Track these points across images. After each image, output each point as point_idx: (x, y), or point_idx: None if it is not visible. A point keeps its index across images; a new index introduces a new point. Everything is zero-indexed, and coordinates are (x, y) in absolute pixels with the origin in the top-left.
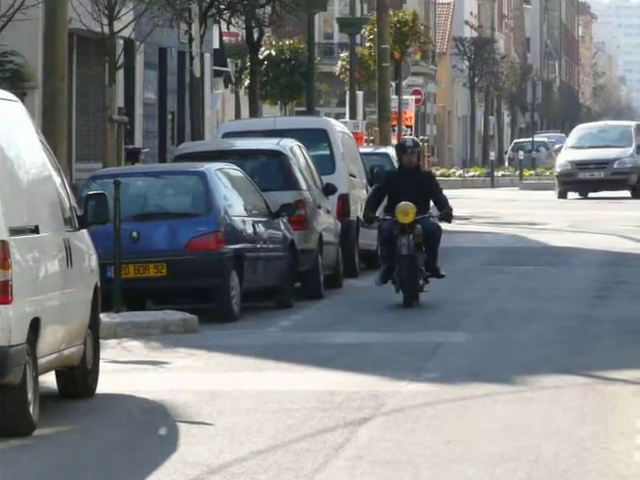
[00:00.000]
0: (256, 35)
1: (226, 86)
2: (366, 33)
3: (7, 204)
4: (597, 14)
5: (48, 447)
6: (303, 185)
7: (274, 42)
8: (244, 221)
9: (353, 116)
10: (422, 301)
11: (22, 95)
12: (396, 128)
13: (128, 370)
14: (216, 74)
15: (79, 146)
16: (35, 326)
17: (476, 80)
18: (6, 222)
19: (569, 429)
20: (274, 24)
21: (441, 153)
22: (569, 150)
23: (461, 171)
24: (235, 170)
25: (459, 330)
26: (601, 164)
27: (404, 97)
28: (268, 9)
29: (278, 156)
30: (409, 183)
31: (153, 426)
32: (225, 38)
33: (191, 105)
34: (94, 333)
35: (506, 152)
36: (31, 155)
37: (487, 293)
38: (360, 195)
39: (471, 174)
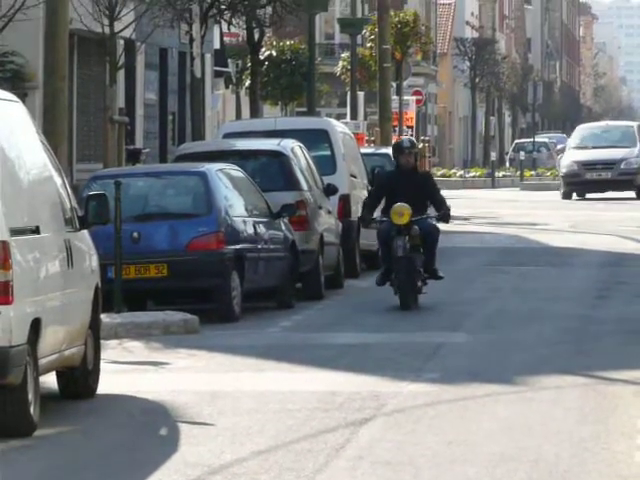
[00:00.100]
0: (257, 35)
1: (227, 86)
2: (367, 33)
3: (8, 205)
4: (598, 14)
5: (49, 447)
6: (304, 185)
7: (275, 42)
8: (245, 221)
9: (354, 116)
10: (423, 301)
11: (23, 95)
12: (397, 129)
13: (129, 371)
14: (217, 74)
15: (80, 146)
16: (36, 326)
17: (477, 80)
18: (7, 222)
19: (570, 429)
20: (275, 24)
21: (442, 154)
22: (573, 150)
23: (462, 171)
24: (236, 170)
25: (460, 330)
26: (608, 164)
27: (405, 97)
28: (269, 9)
29: (279, 156)
30: (406, 184)
31: (154, 426)
32: (226, 38)
33: (192, 105)
34: (95, 333)
35: (507, 152)
36: (32, 156)
37: (488, 293)
38: (361, 195)
39: (472, 174)
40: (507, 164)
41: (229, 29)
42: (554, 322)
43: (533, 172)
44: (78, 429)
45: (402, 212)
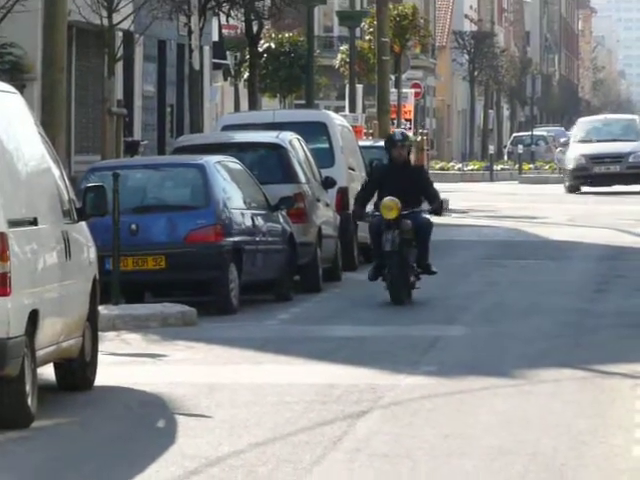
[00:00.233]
0: (255, 28)
1: (225, 79)
2: (366, 26)
3: (6, 196)
4: (597, 8)
5: (46, 439)
6: (302, 178)
7: (273, 35)
8: (243, 214)
9: (352, 109)
10: (420, 294)
11: (21, 87)
12: (395, 121)
13: (126, 363)
14: (215, 67)
15: (78, 138)
16: (34, 318)
17: (476, 74)
18: (5, 214)
19: (568, 423)
20: (273, 17)
21: (440, 147)
22: (578, 144)
23: (460, 165)
24: (234, 163)
25: (457, 323)
26: (616, 158)
27: (403, 90)
28: (267, 2)
29: (277, 149)
30: (399, 177)
31: (151, 419)
32: (224, 31)
33: (190, 98)
34: (93, 325)
35: (505, 146)
36: (30, 147)
37: (486, 287)
38: (359, 188)
39: (470, 168)
40: (505, 157)
41: (228, 21)
42: (552, 315)
43: (531, 165)
44: (75, 421)
45: (391, 206)
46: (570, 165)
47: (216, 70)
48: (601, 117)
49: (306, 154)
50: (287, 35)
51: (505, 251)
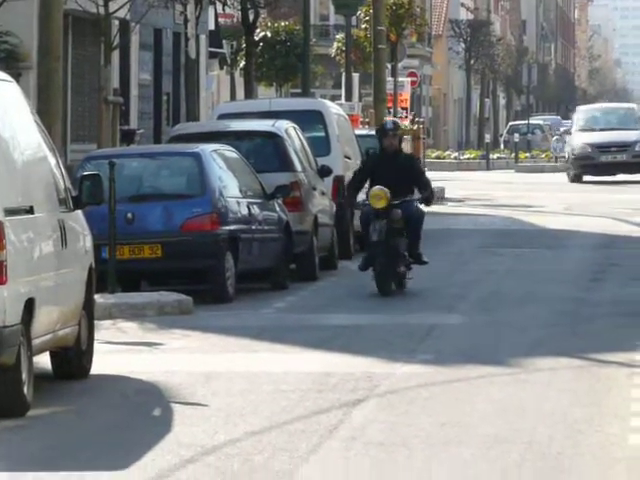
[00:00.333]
0: (252, 16)
1: (221, 67)
2: (362, 15)
3: (2, 185)
4: None
5: (42, 427)
6: (298, 167)
7: (270, 24)
8: (239, 202)
9: (349, 98)
10: (416, 283)
11: (17, 75)
12: (392, 110)
13: (123, 351)
14: (211, 55)
15: (74, 127)
16: (30, 307)
17: (472, 62)
18: (1, 203)
19: (564, 411)
20: (270, 5)
21: (437, 135)
22: (581, 133)
23: (456, 153)
24: (230, 151)
25: (454, 312)
26: (622, 147)
27: (400, 79)
28: None
29: (273, 138)
30: (390, 167)
31: (147, 407)
32: (220, 19)
33: (186, 86)
34: (89, 314)
35: (501, 134)
36: (26, 136)
37: (482, 275)
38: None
39: (466, 156)
40: (501, 146)
41: (224, 10)
42: (549, 304)
43: (528, 154)
44: (72, 409)
45: (380, 195)
46: (574, 154)
47: (212, 59)
48: (601, 105)
49: (302, 143)
50: (283, 24)
51: (501, 240)
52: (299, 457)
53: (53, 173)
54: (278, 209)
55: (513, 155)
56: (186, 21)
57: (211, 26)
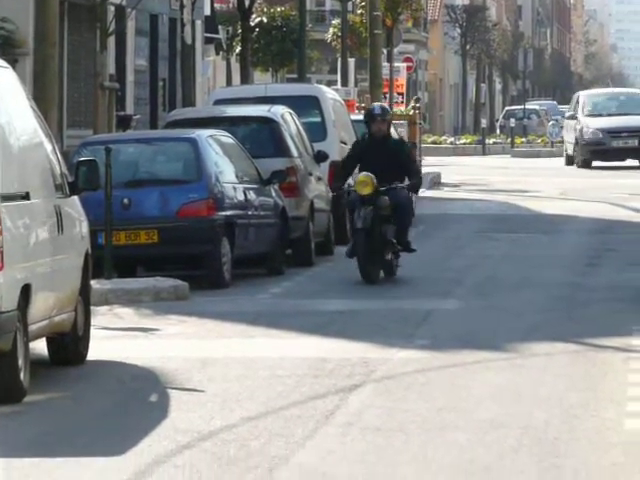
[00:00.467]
0: (247, 2)
1: (217, 53)
2: (358, 0)
3: None
4: None
5: (39, 413)
6: (294, 152)
7: (265, 9)
8: (235, 188)
9: (345, 83)
10: (412, 268)
11: (13, 62)
12: (387, 95)
13: (119, 337)
14: (207, 41)
15: (70, 113)
16: (26, 292)
17: (468, 48)
18: None
19: (560, 396)
20: None
21: (433, 120)
22: (589, 118)
23: (452, 138)
24: (226, 137)
25: (450, 297)
26: (634, 132)
27: (395, 64)
28: None
29: (269, 123)
30: (378, 152)
31: (144, 393)
32: (216, 5)
33: (182, 72)
34: (85, 300)
35: (497, 120)
36: (22, 122)
37: (478, 260)
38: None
39: (462, 142)
40: (497, 131)
41: None
42: (545, 289)
43: (524, 139)
44: (68, 395)
45: (366, 182)
46: (585, 139)
47: (208, 44)
48: (606, 90)
49: (298, 128)
50: (279, 9)
51: (497, 225)
52: (295, 442)
53: (49, 159)
54: (274, 194)
55: (509, 140)
56: (182, 7)
57: (207, 12)
